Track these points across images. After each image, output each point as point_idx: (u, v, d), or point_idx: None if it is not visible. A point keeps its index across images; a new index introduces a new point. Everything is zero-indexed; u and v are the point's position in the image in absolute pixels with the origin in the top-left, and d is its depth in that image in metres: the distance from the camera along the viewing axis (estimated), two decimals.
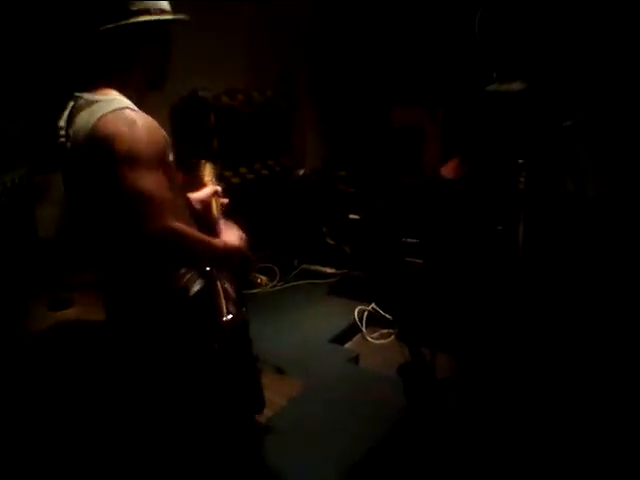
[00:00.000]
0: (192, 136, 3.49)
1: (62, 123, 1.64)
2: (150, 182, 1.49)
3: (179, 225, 1.54)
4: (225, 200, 1.94)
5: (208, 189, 1.92)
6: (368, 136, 4.58)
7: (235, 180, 4.02)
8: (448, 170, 3.42)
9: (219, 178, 2.09)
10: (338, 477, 2.26)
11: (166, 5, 1.67)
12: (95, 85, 1.61)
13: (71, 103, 1.64)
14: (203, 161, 2.05)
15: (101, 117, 1.51)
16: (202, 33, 3.68)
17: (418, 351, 1.83)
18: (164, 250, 1.52)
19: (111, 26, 1.57)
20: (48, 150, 2.92)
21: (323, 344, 3.33)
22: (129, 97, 1.61)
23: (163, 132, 1.60)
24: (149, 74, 1.68)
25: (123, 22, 1.57)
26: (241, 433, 1.93)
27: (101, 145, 1.49)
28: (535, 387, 2.78)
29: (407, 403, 1.85)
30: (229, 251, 1.67)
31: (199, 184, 1.95)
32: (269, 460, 2.26)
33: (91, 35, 1.59)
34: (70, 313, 2.22)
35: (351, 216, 3.63)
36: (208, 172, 1.99)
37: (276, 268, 4.14)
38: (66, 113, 1.64)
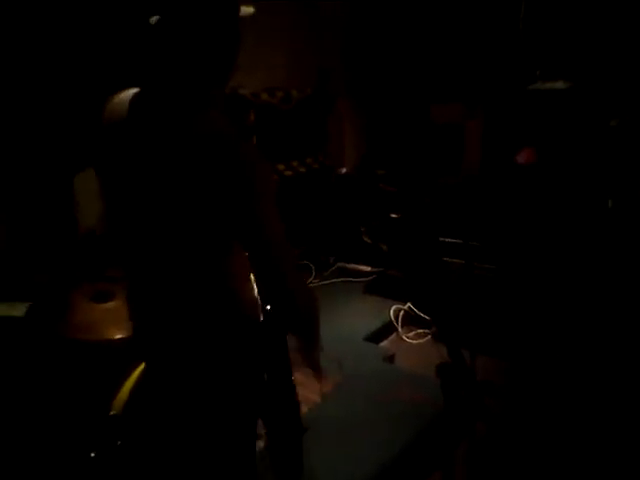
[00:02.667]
0: None
1: (122, 119, 1.34)
2: (277, 221, 1.24)
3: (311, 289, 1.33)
4: None
5: None
6: (407, 133, 4.55)
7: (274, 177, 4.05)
8: (522, 157, 3.37)
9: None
10: (369, 475, 2.26)
11: None
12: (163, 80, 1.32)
13: (129, 98, 1.35)
14: None
15: (200, 115, 1.26)
16: (243, 33, 3.73)
17: (458, 351, 1.81)
18: (306, 319, 1.30)
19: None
20: (89, 146, 2.99)
21: (358, 342, 3.32)
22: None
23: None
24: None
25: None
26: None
27: (216, 147, 1.22)
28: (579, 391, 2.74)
29: (444, 403, 1.83)
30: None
31: None
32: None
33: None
34: (112, 305, 2.26)
35: (392, 215, 3.61)
36: None
37: (312, 265, 4.14)
38: (127, 109, 1.34)
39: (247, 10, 1.44)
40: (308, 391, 2.53)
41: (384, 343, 3.47)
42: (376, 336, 3.45)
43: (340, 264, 4.23)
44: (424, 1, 4.39)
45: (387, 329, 3.52)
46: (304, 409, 2.42)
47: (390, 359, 3.21)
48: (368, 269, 4.12)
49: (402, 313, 3.57)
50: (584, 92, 3.47)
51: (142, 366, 1.91)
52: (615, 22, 3.50)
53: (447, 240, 3.57)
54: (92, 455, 1.93)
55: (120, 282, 2.33)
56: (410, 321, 3.56)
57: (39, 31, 2.84)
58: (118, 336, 2.10)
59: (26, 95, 2.83)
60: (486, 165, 4.11)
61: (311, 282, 4.02)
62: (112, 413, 1.97)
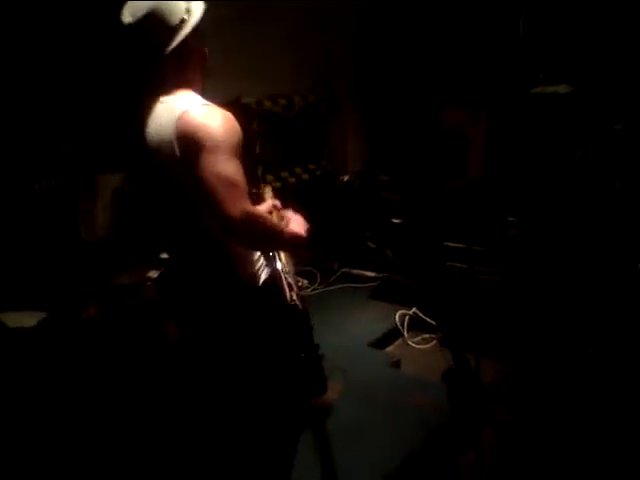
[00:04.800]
0: None
1: (139, 124, 1.71)
2: (232, 167, 1.58)
3: (258, 209, 1.66)
4: (288, 214, 1.99)
5: (268, 203, 1.99)
6: (410, 139, 4.55)
7: (276, 184, 4.06)
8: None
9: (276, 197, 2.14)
10: None
11: None
12: (166, 88, 1.70)
13: (148, 105, 1.72)
14: (264, 185, 2.11)
15: (183, 112, 1.60)
16: (246, 41, 3.76)
17: (462, 357, 1.81)
18: (243, 233, 1.59)
19: (175, 45, 1.66)
20: (92, 153, 3.01)
21: (364, 348, 3.32)
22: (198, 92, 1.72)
23: (238, 126, 1.68)
24: (202, 64, 1.78)
25: (182, 36, 1.66)
26: (303, 413, 2.01)
27: (185, 137, 1.58)
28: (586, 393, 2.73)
29: (451, 410, 1.83)
30: (295, 240, 1.75)
31: (260, 200, 2.01)
32: (306, 460, 2.27)
33: (157, 59, 1.67)
34: (118, 315, 2.28)
35: (394, 220, 3.61)
36: (268, 194, 2.05)
37: (317, 271, 4.15)
38: (143, 115, 1.72)
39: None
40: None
41: (390, 348, 3.47)
42: (382, 342, 3.45)
43: (345, 270, 4.23)
44: (427, 8, 4.40)
45: (393, 334, 3.52)
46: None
47: (396, 364, 3.21)
48: (373, 275, 4.12)
49: (407, 318, 3.57)
50: (587, 96, 3.46)
51: None
52: (618, 25, 3.50)
53: (451, 245, 3.56)
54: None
55: (129, 291, 2.36)
56: (416, 326, 3.55)
57: (35, 33, 2.86)
58: None
59: (27, 102, 2.85)
60: (490, 169, 4.11)
61: (316, 288, 4.03)
62: None
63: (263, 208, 1.97)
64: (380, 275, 4.08)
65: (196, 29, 1.69)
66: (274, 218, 1.93)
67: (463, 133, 4.22)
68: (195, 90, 1.73)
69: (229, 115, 1.65)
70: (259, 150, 3.90)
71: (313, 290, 4.01)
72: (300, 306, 1.80)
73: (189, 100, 1.66)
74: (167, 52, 1.65)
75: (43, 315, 2.29)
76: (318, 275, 4.12)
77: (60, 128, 2.96)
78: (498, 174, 3.89)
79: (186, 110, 1.61)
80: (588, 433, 2.51)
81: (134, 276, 2.42)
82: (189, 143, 1.58)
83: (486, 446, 1.98)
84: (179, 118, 1.60)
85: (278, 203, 2.02)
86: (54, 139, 2.94)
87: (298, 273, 4.06)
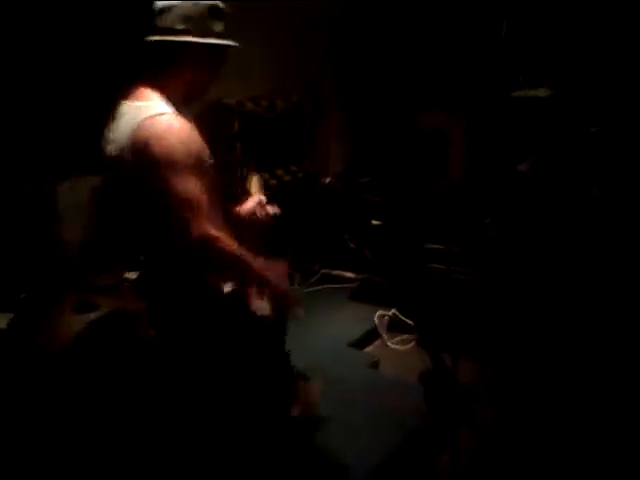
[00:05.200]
0: (217, 142, 3.53)
1: (107, 129, 1.70)
2: (190, 187, 1.54)
3: (219, 235, 1.59)
4: (274, 210, 1.97)
5: (253, 199, 1.96)
6: (392, 140, 4.57)
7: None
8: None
9: (264, 188, 2.12)
10: None
11: (217, 27, 1.71)
12: (137, 91, 1.68)
13: (116, 109, 1.69)
14: (251, 174, 2.08)
15: (141, 121, 1.57)
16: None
17: (439, 358, 1.83)
18: (198, 256, 1.58)
19: (157, 38, 1.64)
20: (69, 155, 2.97)
21: (343, 349, 3.32)
22: (169, 101, 1.67)
23: (199, 137, 1.65)
24: (189, 89, 1.73)
25: (169, 38, 1.64)
26: (272, 424, 1.99)
27: (139, 149, 1.55)
28: (562, 393, 2.76)
29: (428, 411, 1.84)
30: (261, 279, 1.71)
31: (245, 196, 1.99)
32: (285, 463, 2.27)
33: (138, 43, 1.67)
34: (94, 316, 2.25)
35: (374, 222, 3.63)
36: (255, 184, 2.03)
37: (297, 273, 4.14)
38: (110, 119, 1.69)
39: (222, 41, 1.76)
40: None
41: (369, 349, 3.48)
42: (361, 342, 3.45)
43: (325, 271, 4.24)
44: (409, 11, 4.42)
45: (372, 335, 3.53)
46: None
47: (375, 365, 3.22)
48: (353, 276, 4.13)
49: (387, 319, 3.58)
50: (566, 99, 3.51)
51: None
52: (596, 30, 3.55)
53: (430, 246, 3.58)
54: None
55: (105, 292, 2.34)
56: (395, 327, 3.57)
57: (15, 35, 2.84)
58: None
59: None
60: (470, 171, 4.14)
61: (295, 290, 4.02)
62: None
63: (248, 205, 1.95)
64: (360, 276, 4.09)
65: (200, 52, 1.66)
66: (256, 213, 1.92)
67: (444, 135, 4.25)
68: (170, 96, 1.68)
69: (187, 127, 1.61)
70: (240, 151, 3.88)
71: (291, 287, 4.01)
72: (269, 316, 1.76)
73: (152, 107, 1.61)
74: (146, 40, 1.63)
75: (11, 316, 2.26)
76: (298, 276, 4.12)
77: (36, 129, 2.93)
78: (479, 176, 3.93)
79: (144, 119, 1.57)
80: (566, 433, 2.54)
81: (111, 277, 2.40)
82: (143, 155, 1.54)
83: (463, 447, 1.99)
84: (137, 127, 1.56)
85: (264, 198, 1.99)
86: (31, 140, 2.90)
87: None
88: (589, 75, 3.51)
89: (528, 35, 3.83)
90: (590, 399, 2.70)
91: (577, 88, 3.51)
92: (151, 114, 1.58)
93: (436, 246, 3.56)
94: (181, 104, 1.72)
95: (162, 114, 1.59)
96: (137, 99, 1.66)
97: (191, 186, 1.54)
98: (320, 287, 4.07)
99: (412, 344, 3.42)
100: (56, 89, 2.97)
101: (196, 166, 1.58)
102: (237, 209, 1.97)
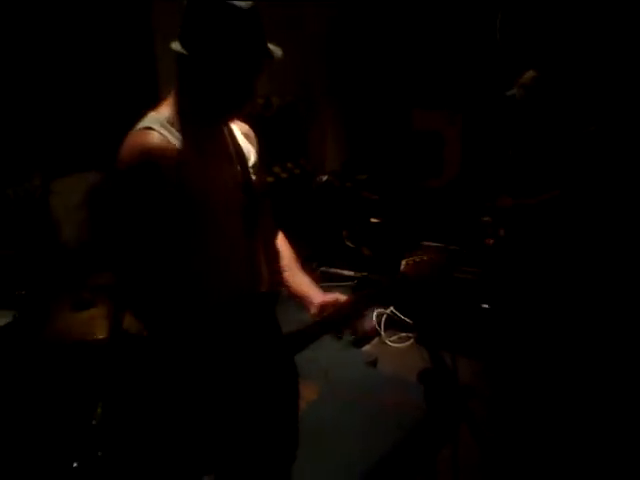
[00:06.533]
0: None
1: None
2: (136, 252, 1.30)
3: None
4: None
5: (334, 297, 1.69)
6: (388, 139, 4.57)
7: None
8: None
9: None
10: None
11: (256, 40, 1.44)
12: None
13: None
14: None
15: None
16: None
17: (438, 356, 1.82)
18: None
19: (176, 48, 1.39)
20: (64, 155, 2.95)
21: (342, 347, 3.33)
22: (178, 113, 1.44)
23: (172, 163, 1.32)
24: (214, 101, 1.50)
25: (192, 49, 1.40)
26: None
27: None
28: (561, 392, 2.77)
29: (427, 409, 1.84)
30: None
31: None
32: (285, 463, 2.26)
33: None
34: (92, 313, 2.25)
35: (372, 220, 3.62)
36: None
37: None
38: None
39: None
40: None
41: (367, 347, 3.49)
42: (359, 340, 3.46)
43: (323, 269, 4.24)
44: (404, 11, 4.42)
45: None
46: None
47: (373, 363, 3.23)
48: (351, 274, 4.13)
49: (385, 317, 3.59)
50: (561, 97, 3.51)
51: None
52: (591, 29, 3.56)
53: (429, 244, 3.58)
54: (74, 465, 1.91)
55: (101, 290, 2.33)
56: (393, 325, 3.58)
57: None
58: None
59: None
60: (466, 169, 4.15)
61: None
62: (94, 422, 1.96)
63: (323, 299, 1.68)
64: (358, 274, 4.09)
65: (225, 68, 1.42)
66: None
67: (439, 134, 4.26)
68: (176, 110, 1.44)
69: (153, 151, 1.29)
70: None
71: None
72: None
73: (145, 121, 1.39)
74: (171, 46, 1.38)
75: (12, 314, 2.25)
76: None
77: (32, 129, 2.91)
78: (475, 174, 3.93)
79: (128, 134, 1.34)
80: (564, 430, 2.55)
81: (110, 276, 2.39)
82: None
83: (462, 443, 2.00)
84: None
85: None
86: (27, 143, 2.89)
87: None
88: (584, 74, 3.52)
89: (523, 34, 3.84)
90: (589, 397, 2.71)
91: (574, 87, 3.51)
92: (137, 127, 1.35)
93: (434, 244, 3.56)
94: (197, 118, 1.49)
95: (145, 128, 1.33)
96: (157, 106, 1.45)
97: (141, 255, 1.28)
98: (318, 285, 4.05)
99: (410, 342, 3.42)
100: (54, 89, 2.97)
101: (158, 213, 1.28)
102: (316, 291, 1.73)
